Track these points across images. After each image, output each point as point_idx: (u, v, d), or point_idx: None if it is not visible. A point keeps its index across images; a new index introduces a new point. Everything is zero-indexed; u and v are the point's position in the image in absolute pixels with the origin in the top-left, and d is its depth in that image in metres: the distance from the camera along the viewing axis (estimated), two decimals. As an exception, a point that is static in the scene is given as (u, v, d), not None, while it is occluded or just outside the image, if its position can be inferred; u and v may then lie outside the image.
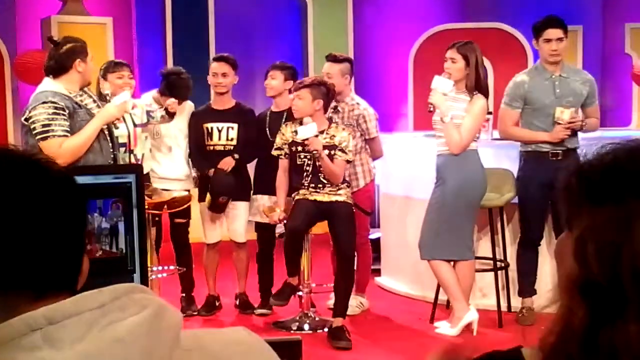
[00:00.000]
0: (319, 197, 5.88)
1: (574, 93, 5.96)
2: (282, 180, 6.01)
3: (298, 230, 5.79)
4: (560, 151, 5.87)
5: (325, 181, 5.87)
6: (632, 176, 1.04)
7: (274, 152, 6.00)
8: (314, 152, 5.70)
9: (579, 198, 1.08)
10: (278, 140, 5.99)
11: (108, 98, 5.48)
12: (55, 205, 1.15)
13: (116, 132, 5.62)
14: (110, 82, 6.02)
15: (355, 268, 6.03)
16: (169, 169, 6.36)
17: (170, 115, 6.12)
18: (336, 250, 5.96)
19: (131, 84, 6.13)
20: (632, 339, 0.96)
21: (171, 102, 6.07)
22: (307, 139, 5.70)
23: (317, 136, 5.73)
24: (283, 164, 6.00)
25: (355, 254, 6.09)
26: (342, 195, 5.89)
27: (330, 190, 5.88)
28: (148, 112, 6.06)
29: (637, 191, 1.03)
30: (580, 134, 5.99)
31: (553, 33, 5.92)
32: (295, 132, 5.86)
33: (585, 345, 1.00)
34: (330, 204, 5.86)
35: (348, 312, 6.29)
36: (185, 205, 6.12)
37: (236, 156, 6.30)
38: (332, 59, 6.41)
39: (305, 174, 5.91)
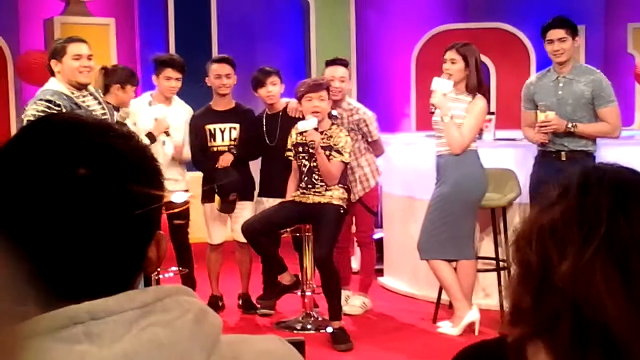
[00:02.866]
0: (304, 199, 5.89)
1: (575, 95, 5.84)
2: (291, 181, 6.05)
3: (250, 228, 5.85)
4: (563, 152, 5.83)
5: (316, 181, 5.87)
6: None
7: (287, 154, 6.02)
8: (311, 142, 5.70)
9: None
10: (288, 142, 6.02)
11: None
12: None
13: None
14: (126, 92, 6.03)
15: (357, 268, 6.04)
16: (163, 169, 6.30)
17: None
18: (313, 254, 5.90)
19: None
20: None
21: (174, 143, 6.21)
22: (305, 131, 5.71)
23: (316, 129, 5.73)
24: (294, 165, 6.03)
25: (359, 253, 6.11)
26: (327, 197, 5.85)
27: (315, 191, 5.87)
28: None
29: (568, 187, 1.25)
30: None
31: (554, 34, 5.90)
32: (300, 133, 5.89)
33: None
34: (313, 206, 5.85)
35: (352, 312, 6.31)
36: (184, 207, 6.11)
37: (234, 151, 6.30)
38: (343, 63, 6.42)
39: (302, 175, 5.93)
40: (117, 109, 5.97)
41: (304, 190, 5.91)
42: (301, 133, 5.77)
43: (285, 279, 5.97)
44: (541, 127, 5.79)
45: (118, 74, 6.10)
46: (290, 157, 6.03)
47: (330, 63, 6.42)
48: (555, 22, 5.94)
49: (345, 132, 5.95)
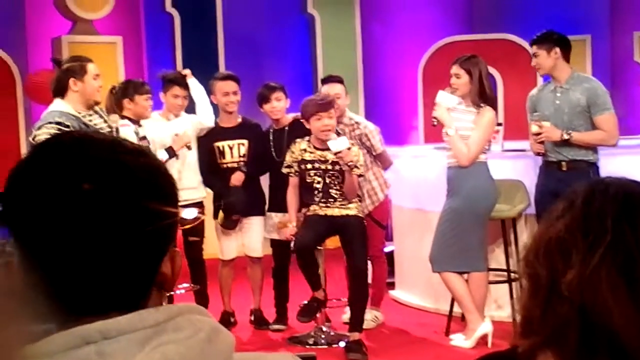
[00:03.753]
0: (330, 212, 5.91)
1: (571, 104, 5.82)
2: (292, 197, 6.05)
3: (305, 246, 5.80)
4: (563, 162, 5.83)
5: (336, 196, 5.90)
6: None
7: (284, 170, 6.02)
8: (349, 163, 5.70)
9: None
10: (288, 158, 6.01)
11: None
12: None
13: None
14: (137, 104, 6.04)
15: (369, 281, 6.04)
16: (180, 178, 6.20)
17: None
18: (348, 265, 5.95)
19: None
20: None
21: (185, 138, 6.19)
22: (339, 152, 5.71)
23: (349, 149, 5.74)
24: (293, 181, 6.03)
25: (370, 267, 6.11)
26: (353, 209, 5.92)
27: (341, 204, 5.91)
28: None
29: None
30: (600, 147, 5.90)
31: (531, 50, 6.01)
32: (305, 150, 5.90)
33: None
34: (341, 218, 5.89)
35: (364, 326, 6.30)
36: (196, 223, 6.12)
37: (244, 169, 6.32)
38: (338, 80, 6.41)
39: (316, 191, 5.93)
40: (138, 122, 6.04)
41: (325, 205, 5.92)
42: (336, 153, 5.72)
43: (321, 294, 5.96)
44: (535, 135, 5.83)
45: (125, 89, 6.14)
46: (290, 174, 6.03)
47: (326, 81, 6.45)
48: (533, 39, 6.03)
49: (356, 146, 5.96)
